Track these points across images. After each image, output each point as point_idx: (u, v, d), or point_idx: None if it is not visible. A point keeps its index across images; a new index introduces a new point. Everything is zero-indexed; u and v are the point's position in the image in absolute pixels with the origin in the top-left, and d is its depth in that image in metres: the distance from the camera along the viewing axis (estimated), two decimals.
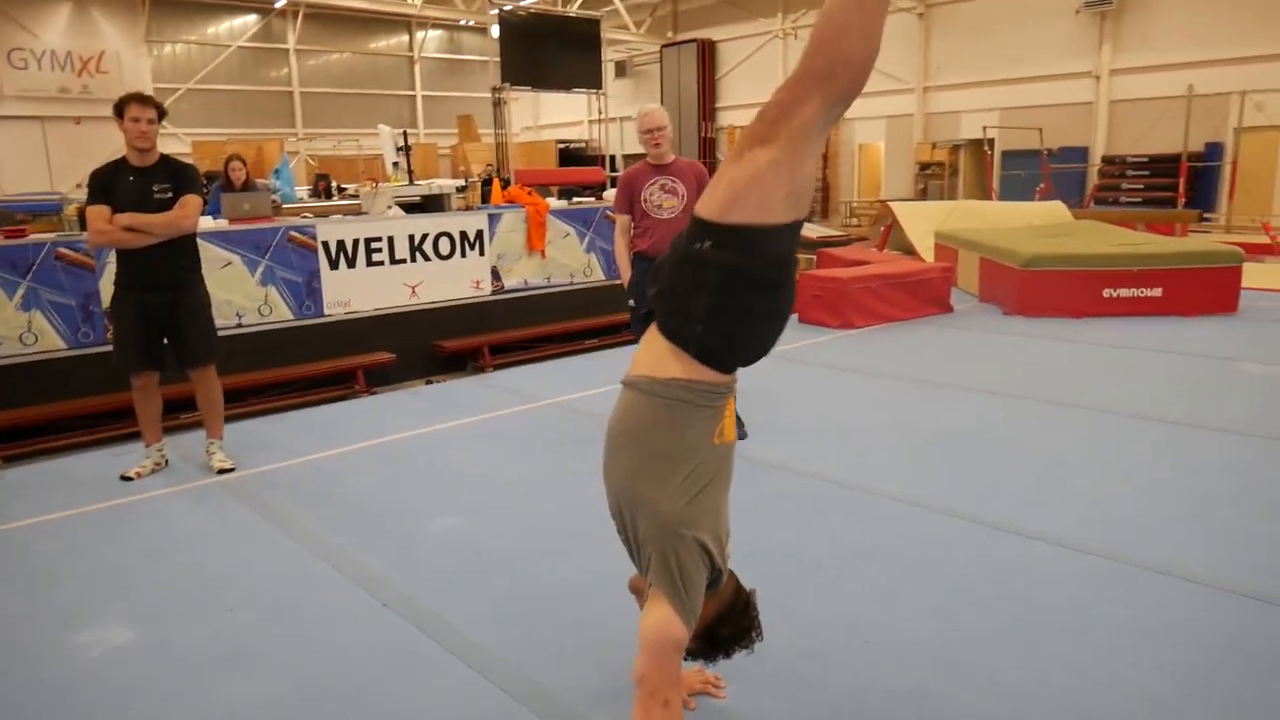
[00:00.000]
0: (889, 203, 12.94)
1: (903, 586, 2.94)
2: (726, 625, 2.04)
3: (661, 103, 25.70)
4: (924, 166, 20.78)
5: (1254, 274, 9.86)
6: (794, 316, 7.70)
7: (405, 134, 11.29)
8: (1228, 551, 3.13)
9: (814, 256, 10.13)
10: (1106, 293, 7.57)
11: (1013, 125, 18.37)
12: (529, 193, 8.29)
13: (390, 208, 8.27)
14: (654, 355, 1.89)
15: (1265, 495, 3.65)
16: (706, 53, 24.68)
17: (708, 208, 1.82)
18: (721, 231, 1.79)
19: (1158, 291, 7.56)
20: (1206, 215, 16.37)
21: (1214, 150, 16.62)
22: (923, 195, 20.30)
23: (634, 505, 1.90)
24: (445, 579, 3.08)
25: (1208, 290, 7.61)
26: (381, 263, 7.00)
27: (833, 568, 3.09)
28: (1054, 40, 18.93)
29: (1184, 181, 15.86)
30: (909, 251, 10.86)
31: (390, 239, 7.05)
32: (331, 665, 2.56)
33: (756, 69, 24.16)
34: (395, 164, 10.71)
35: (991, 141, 18.76)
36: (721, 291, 1.80)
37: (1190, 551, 3.12)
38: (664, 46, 25.35)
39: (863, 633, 2.64)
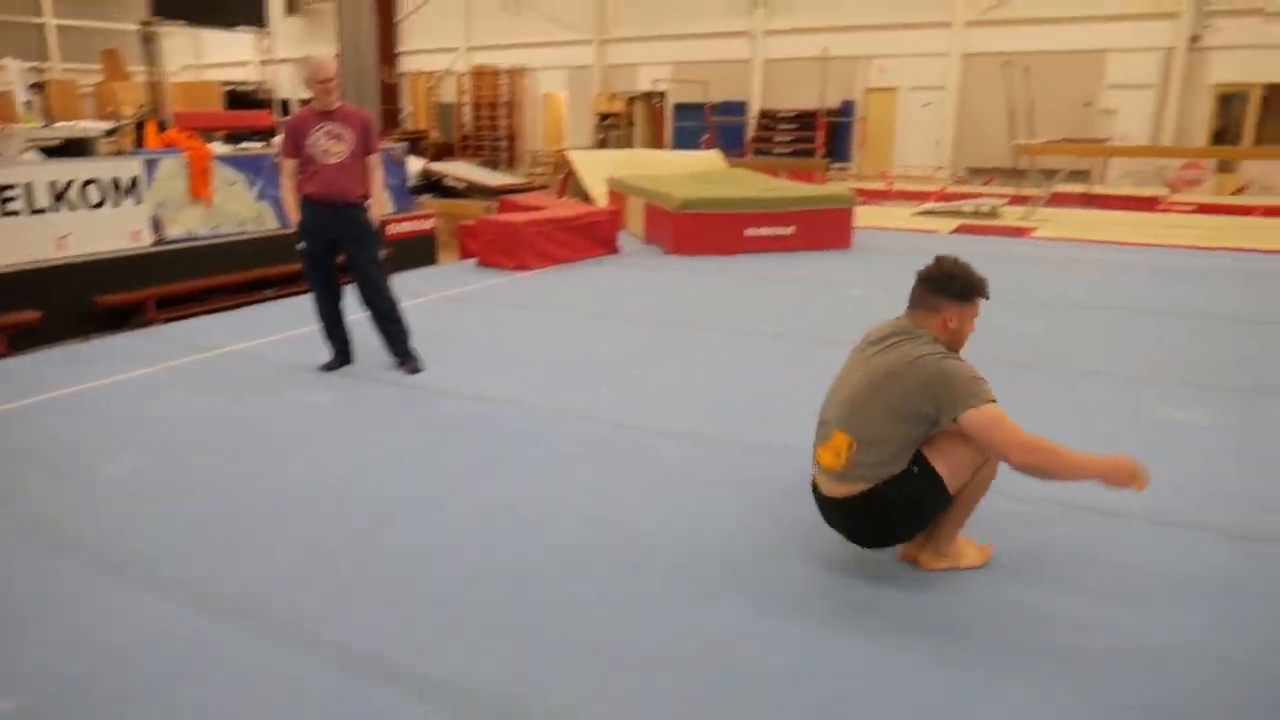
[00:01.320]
0: (567, 152, 13.54)
1: (559, 470, 3.43)
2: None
3: (339, 43, 24.60)
4: (604, 116, 21.73)
5: (871, 215, 11.56)
6: (473, 260, 8.08)
7: (38, 69, 10.15)
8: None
9: (495, 204, 10.49)
10: (749, 232, 8.62)
11: (681, 79, 19.71)
12: (189, 137, 7.89)
13: (26, 152, 7.53)
14: None
15: None
16: None
17: None
18: None
19: (790, 230, 8.74)
20: (841, 164, 18.66)
21: (847, 107, 18.92)
22: (603, 144, 21.26)
23: None
24: (125, 511, 3.14)
25: (829, 228, 8.91)
26: (18, 212, 6.42)
27: (495, 465, 3.52)
28: (717, 1, 20.43)
29: (822, 134, 17.96)
30: (585, 198, 11.53)
31: (29, 186, 6.47)
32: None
33: (438, 13, 23.83)
34: (28, 103, 9.63)
35: (663, 94, 20.01)
36: None
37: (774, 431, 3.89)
38: None
39: (515, 506, 3.09)
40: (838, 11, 19.13)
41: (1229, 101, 17.01)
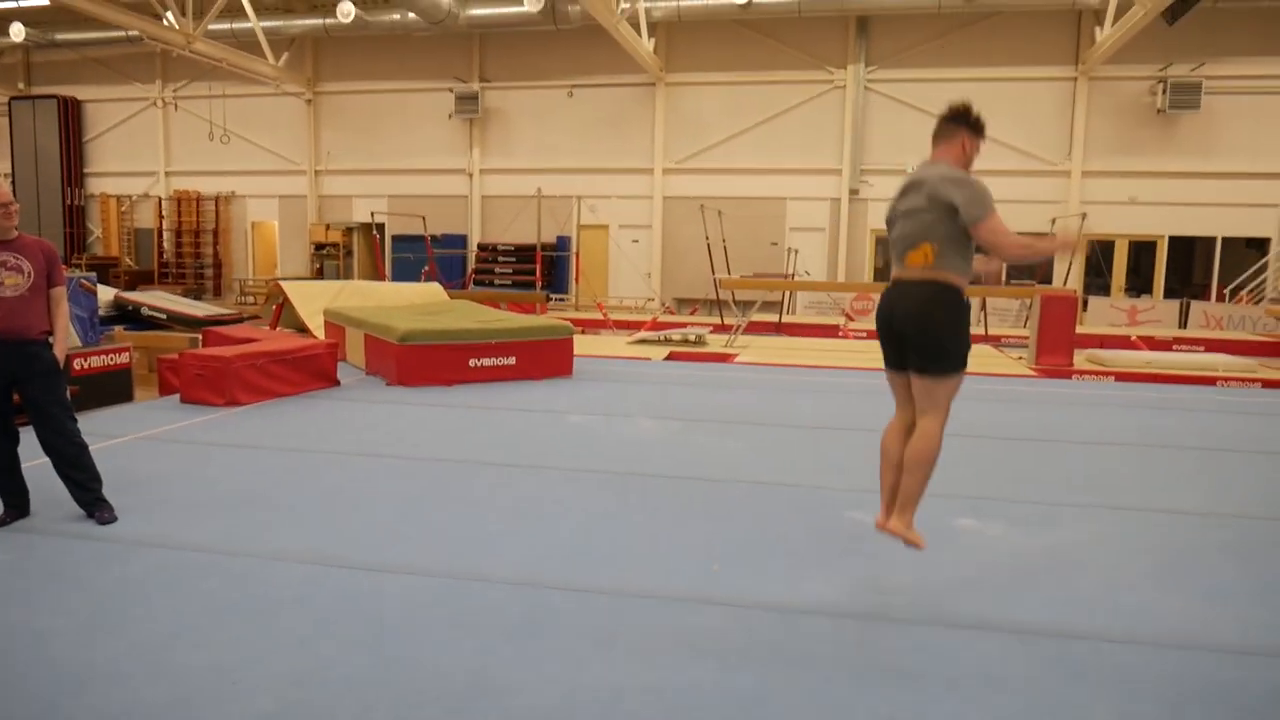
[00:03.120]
0: (280, 281, 13.11)
1: (271, 624, 3.25)
2: None
3: (13, 161, 22.44)
4: (319, 246, 21.28)
5: (589, 344, 12.12)
6: (176, 397, 7.54)
7: None
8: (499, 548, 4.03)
9: (199, 335, 9.89)
10: (472, 362, 8.75)
11: (399, 212, 19.85)
12: None
13: None
14: None
15: (539, 508, 4.73)
16: (71, 112, 22.28)
17: None
18: None
19: (512, 360, 8.96)
20: (560, 296, 19.45)
21: (563, 242, 19.88)
22: (319, 274, 20.76)
23: None
24: None
25: (550, 358, 9.24)
26: None
27: (205, 624, 3.27)
28: (434, 139, 20.98)
29: (540, 267, 18.69)
30: (301, 329, 11.17)
31: None
32: None
33: (132, 135, 22.52)
34: None
35: (381, 226, 20.01)
36: None
37: (500, 557, 3.95)
38: (13, 99, 22.29)
39: (230, 673, 2.89)
40: (549, 155, 20.30)
41: (885, 244, 19.78)
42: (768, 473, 5.64)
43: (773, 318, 16.02)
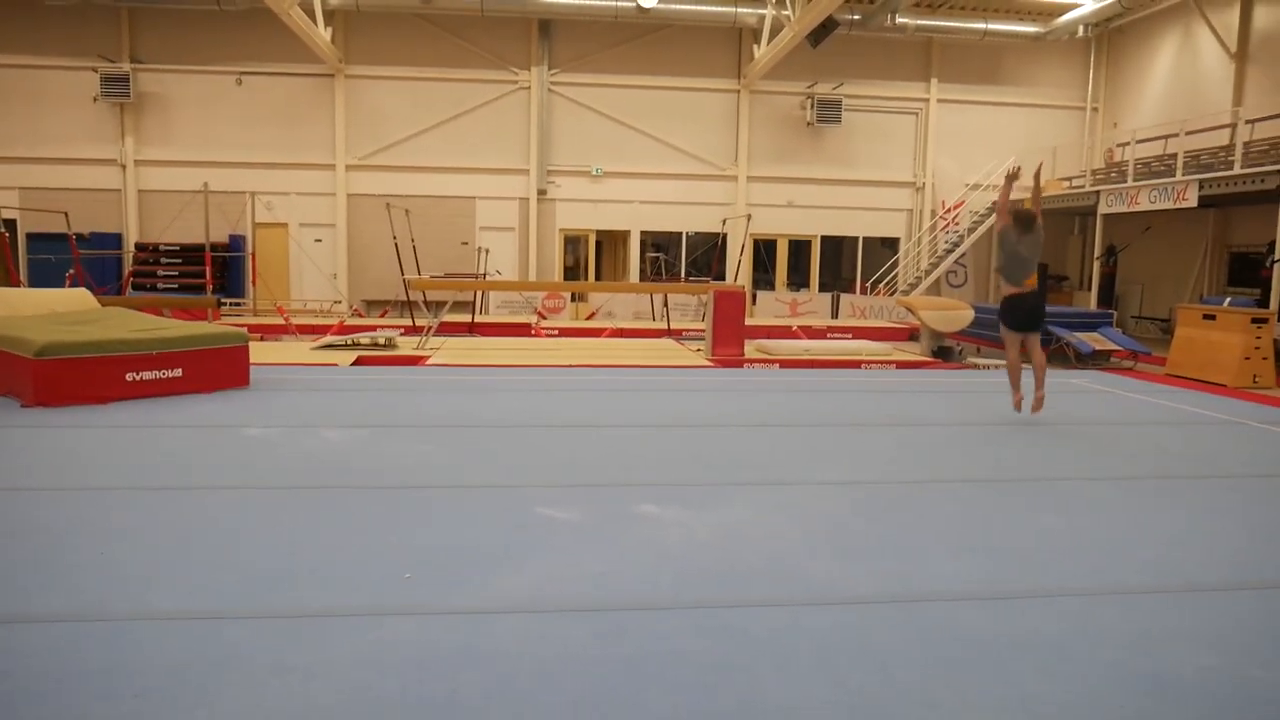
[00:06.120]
0: None
1: None
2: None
3: None
4: None
5: (270, 351, 11.40)
6: None
7: None
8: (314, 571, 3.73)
9: None
10: (130, 376, 7.88)
11: (34, 207, 17.43)
12: None
13: None
14: None
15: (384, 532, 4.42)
16: None
17: None
18: None
19: (178, 372, 8.19)
20: (235, 301, 18.09)
21: (237, 242, 18.49)
22: None
23: None
24: None
25: (222, 368, 8.55)
26: None
27: None
28: (76, 124, 18.69)
29: (210, 269, 17.25)
30: None
31: None
32: None
33: None
34: None
35: (12, 223, 17.46)
36: None
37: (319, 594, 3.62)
38: None
39: None
40: (218, 147, 18.79)
41: (574, 243, 20.44)
42: (461, 475, 5.62)
43: (465, 318, 15.95)
